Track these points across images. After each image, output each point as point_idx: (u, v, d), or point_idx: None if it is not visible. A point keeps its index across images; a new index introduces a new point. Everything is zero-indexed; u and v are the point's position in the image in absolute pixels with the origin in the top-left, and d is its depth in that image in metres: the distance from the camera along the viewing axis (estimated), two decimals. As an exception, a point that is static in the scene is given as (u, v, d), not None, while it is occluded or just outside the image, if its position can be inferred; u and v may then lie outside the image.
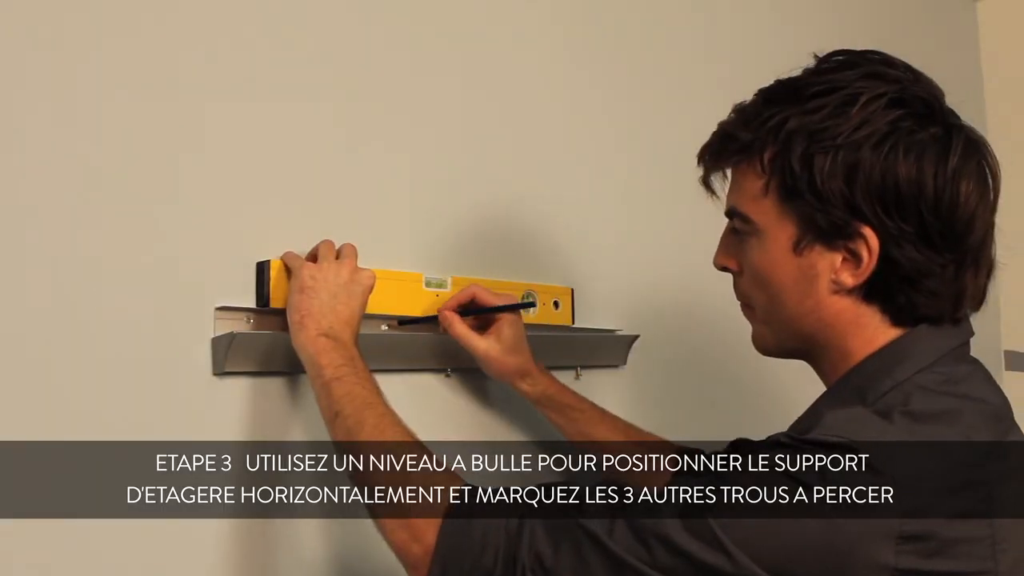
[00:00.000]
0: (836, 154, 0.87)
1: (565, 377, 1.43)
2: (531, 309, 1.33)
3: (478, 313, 1.23)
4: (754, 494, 0.81)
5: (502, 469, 0.98)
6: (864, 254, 0.89)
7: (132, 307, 1.03)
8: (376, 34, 1.26)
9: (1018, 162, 1.24)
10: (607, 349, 1.47)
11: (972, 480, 0.84)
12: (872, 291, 0.91)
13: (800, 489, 0.80)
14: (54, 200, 0.99)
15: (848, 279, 0.90)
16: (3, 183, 0.97)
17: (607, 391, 1.48)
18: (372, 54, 1.26)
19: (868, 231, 0.88)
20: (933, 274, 0.89)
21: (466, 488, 0.91)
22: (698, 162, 1.00)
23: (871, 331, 0.92)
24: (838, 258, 0.90)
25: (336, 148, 1.21)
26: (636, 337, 1.49)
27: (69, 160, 1.01)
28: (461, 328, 1.21)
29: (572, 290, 1.42)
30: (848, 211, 0.88)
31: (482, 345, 1.22)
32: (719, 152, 0.97)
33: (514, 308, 1.25)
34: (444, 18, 1.34)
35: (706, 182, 1.00)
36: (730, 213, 0.99)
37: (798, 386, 1.12)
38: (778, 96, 0.93)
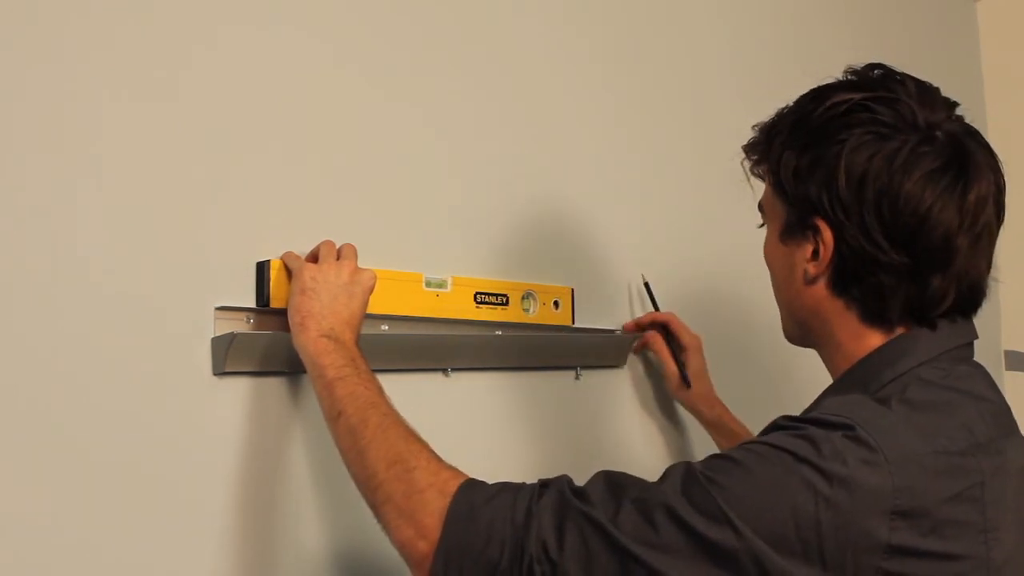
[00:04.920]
0: (801, 152, 0.95)
1: (565, 377, 1.43)
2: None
3: (661, 325, 1.47)
4: (755, 471, 0.84)
5: (502, 470, 0.98)
6: (821, 247, 0.95)
7: (132, 307, 1.03)
8: (377, 34, 1.26)
9: (1018, 162, 1.24)
10: (607, 349, 1.47)
11: (965, 467, 0.86)
12: (836, 284, 0.96)
13: (796, 463, 0.83)
14: (54, 200, 0.99)
15: (812, 270, 0.96)
16: (3, 183, 0.97)
17: (607, 392, 1.48)
18: (372, 55, 1.26)
19: (822, 224, 0.94)
20: (880, 270, 0.92)
21: (471, 482, 0.92)
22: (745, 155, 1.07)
23: (853, 326, 0.96)
24: (808, 249, 0.96)
25: (336, 148, 1.21)
26: (636, 337, 1.49)
27: (69, 160, 1.01)
28: (663, 349, 1.46)
29: (572, 290, 1.42)
30: (808, 205, 0.95)
31: (674, 369, 1.45)
32: (750, 148, 1.06)
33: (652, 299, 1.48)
34: (446, 18, 1.34)
35: (751, 172, 1.07)
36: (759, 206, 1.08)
37: (800, 387, 1.12)
38: (791, 106, 1.01)
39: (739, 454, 0.86)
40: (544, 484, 0.91)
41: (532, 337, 1.35)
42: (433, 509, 0.89)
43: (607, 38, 1.55)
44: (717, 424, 1.43)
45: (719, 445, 1.42)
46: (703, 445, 1.51)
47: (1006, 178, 0.96)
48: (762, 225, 1.06)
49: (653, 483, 0.88)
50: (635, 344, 1.49)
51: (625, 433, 1.50)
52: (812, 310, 0.98)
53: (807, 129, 0.95)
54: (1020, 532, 0.91)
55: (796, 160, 0.95)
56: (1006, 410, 0.95)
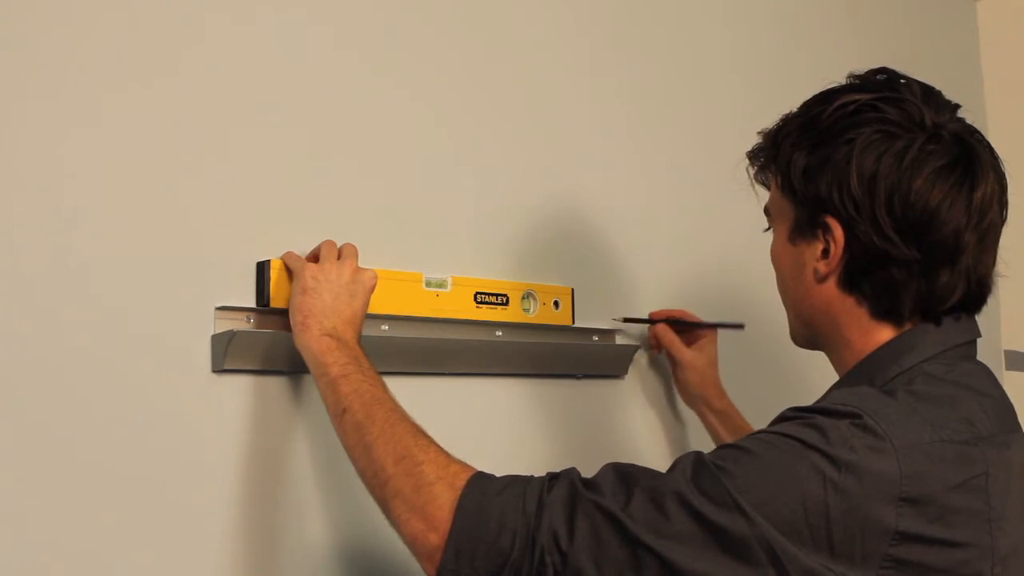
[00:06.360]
0: (811, 152, 0.96)
1: (567, 382, 1.42)
2: (739, 329, 1.47)
3: (690, 327, 1.45)
4: (765, 458, 0.85)
5: (501, 472, 0.98)
6: (832, 244, 0.96)
7: (133, 307, 1.03)
8: (379, 34, 1.27)
9: (1018, 162, 1.24)
10: (608, 358, 1.46)
11: (971, 457, 0.87)
12: (847, 281, 0.96)
13: (804, 450, 0.84)
14: (55, 200, 0.99)
15: (822, 268, 0.97)
16: (4, 184, 0.97)
17: (608, 401, 1.47)
18: (374, 55, 1.26)
19: (833, 222, 0.95)
20: (891, 265, 0.93)
21: (480, 475, 0.93)
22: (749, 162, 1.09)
23: (864, 322, 0.97)
24: (819, 248, 0.97)
25: (336, 148, 1.21)
26: (637, 348, 1.48)
27: (70, 160, 1.01)
28: (673, 337, 1.44)
29: (572, 290, 1.42)
30: (818, 204, 0.96)
31: (688, 355, 1.43)
32: (754, 154, 1.06)
33: (720, 326, 1.44)
34: (450, 19, 1.34)
35: (755, 179, 1.08)
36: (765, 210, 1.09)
37: (804, 387, 1.12)
38: (797, 110, 1.02)
39: (748, 443, 0.88)
40: (554, 476, 0.91)
41: (532, 344, 1.35)
42: (443, 502, 0.90)
43: (611, 40, 1.55)
44: (723, 415, 1.42)
45: (721, 439, 1.41)
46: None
47: (1007, 178, 0.98)
48: (767, 229, 1.07)
49: (663, 472, 0.89)
50: (648, 337, 1.47)
51: (627, 440, 1.50)
52: (821, 309, 0.99)
53: (816, 130, 0.96)
54: None
55: (806, 160, 0.96)
56: (1009, 407, 0.97)
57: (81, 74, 1.02)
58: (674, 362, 1.46)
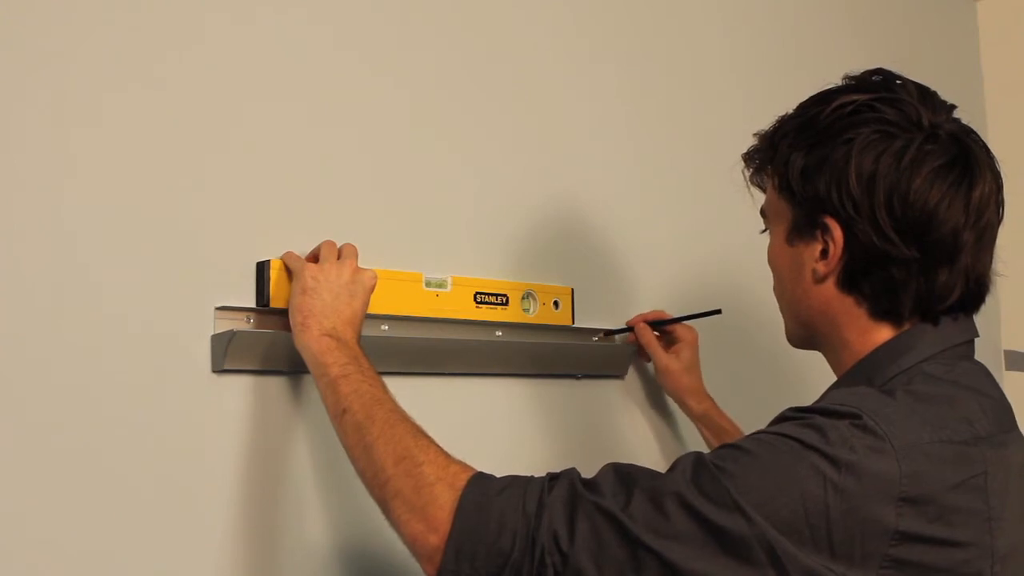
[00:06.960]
0: (809, 152, 0.96)
1: (566, 382, 1.42)
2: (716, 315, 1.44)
3: (668, 323, 1.44)
4: (764, 458, 0.85)
5: (501, 472, 0.98)
6: (831, 244, 0.95)
7: (133, 307, 1.03)
8: (380, 34, 1.27)
9: (1018, 162, 1.24)
10: (608, 358, 1.46)
11: (969, 456, 0.87)
12: (845, 281, 0.96)
13: (804, 450, 0.84)
14: (55, 201, 0.99)
15: (821, 268, 0.97)
16: (4, 183, 0.97)
17: (608, 401, 1.47)
18: (374, 54, 1.26)
19: (832, 222, 0.95)
20: (892, 265, 0.93)
21: (480, 475, 0.93)
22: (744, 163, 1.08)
23: (862, 322, 0.97)
24: (817, 248, 0.97)
25: (336, 148, 1.21)
26: (636, 348, 1.48)
27: (70, 160, 1.01)
28: (651, 339, 1.43)
29: (572, 290, 1.42)
30: (817, 204, 0.96)
31: (664, 359, 1.42)
32: (750, 156, 1.06)
33: (700, 316, 1.42)
34: (451, 19, 1.34)
35: (750, 180, 1.08)
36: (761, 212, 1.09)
37: (801, 388, 1.12)
38: (794, 111, 1.02)
39: (747, 443, 0.88)
40: (554, 477, 0.92)
41: (533, 344, 1.35)
42: (443, 502, 0.90)
43: (611, 40, 1.55)
44: (704, 418, 1.43)
45: (707, 441, 1.42)
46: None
47: (1005, 177, 0.98)
48: (764, 231, 1.07)
49: (663, 473, 0.89)
50: (628, 336, 1.47)
51: (627, 440, 1.49)
52: (820, 309, 0.99)
53: (814, 130, 0.96)
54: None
55: (804, 160, 0.96)
56: (1007, 407, 0.97)
57: (81, 74, 1.02)
58: (654, 365, 1.47)
